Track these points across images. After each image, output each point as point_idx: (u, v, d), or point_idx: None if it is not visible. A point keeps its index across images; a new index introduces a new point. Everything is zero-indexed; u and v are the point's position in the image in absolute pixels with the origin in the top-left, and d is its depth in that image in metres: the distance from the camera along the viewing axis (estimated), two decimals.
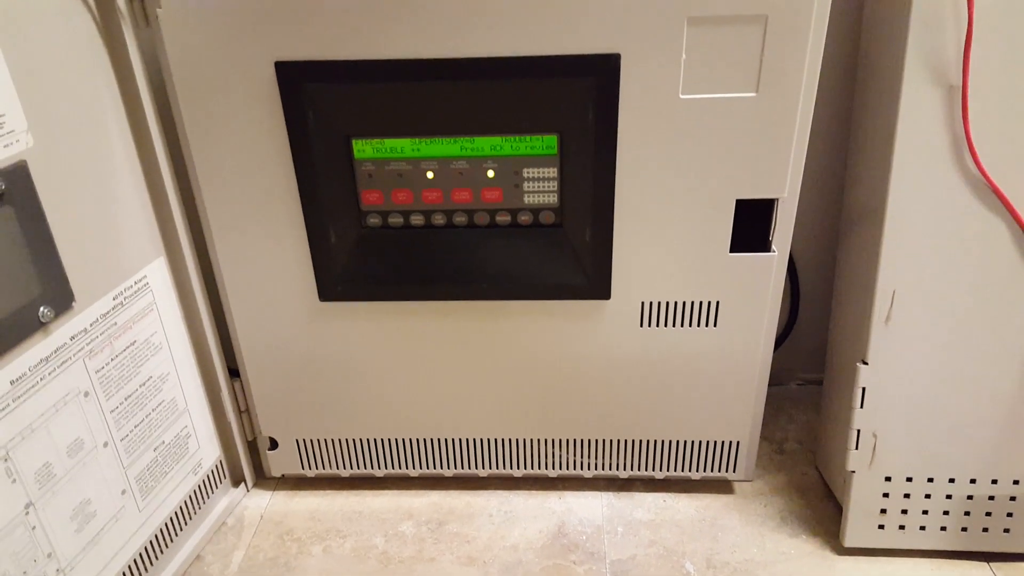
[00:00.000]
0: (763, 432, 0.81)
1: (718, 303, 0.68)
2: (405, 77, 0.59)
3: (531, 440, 0.77)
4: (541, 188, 0.64)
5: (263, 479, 0.83)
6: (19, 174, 0.51)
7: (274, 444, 0.79)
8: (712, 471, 0.77)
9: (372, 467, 0.80)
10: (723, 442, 0.75)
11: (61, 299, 0.56)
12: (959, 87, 0.55)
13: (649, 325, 0.69)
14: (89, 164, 0.58)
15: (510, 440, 0.77)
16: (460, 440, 0.77)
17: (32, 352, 0.54)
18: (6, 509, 0.52)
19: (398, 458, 0.79)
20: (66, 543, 0.58)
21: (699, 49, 0.57)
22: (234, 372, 0.76)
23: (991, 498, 0.67)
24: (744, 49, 0.57)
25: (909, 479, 0.67)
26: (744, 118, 0.60)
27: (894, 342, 0.63)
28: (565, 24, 0.57)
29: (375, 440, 0.78)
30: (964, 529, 0.68)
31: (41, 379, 0.55)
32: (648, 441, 0.76)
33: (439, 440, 0.78)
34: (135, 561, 0.66)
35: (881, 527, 0.69)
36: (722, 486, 0.80)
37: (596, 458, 0.78)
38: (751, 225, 0.65)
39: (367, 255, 0.67)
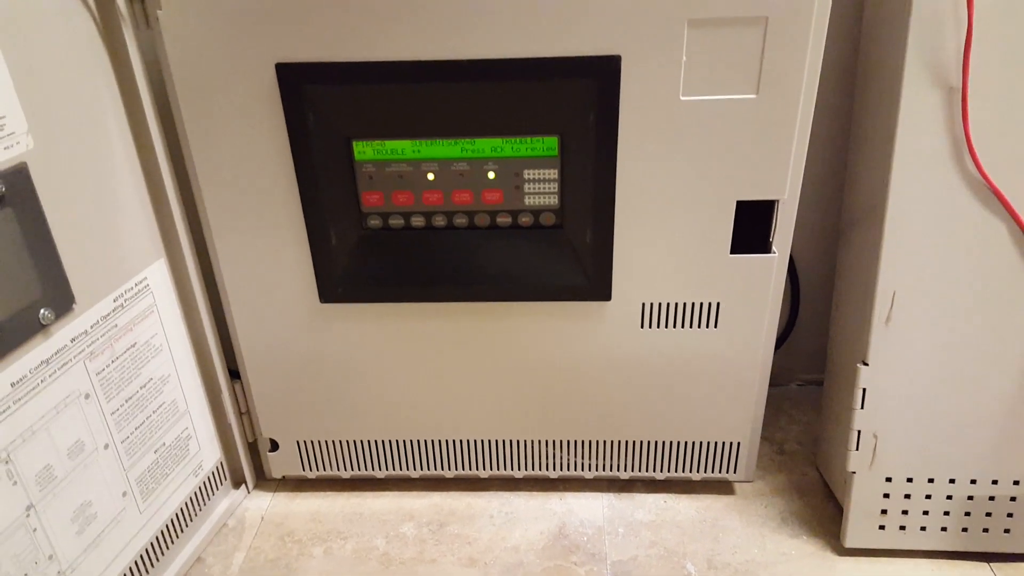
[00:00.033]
0: (764, 433, 0.82)
1: (719, 304, 0.68)
2: (406, 79, 0.59)
3: (532, 441, 0.77)
4: (542, 189, 0.64)
5: (264, 481, 0.83)
6: (19, 176, 0.51)
7: (275, 445, 0.79)
8: (713, 472, 0.77)
9: (373, 468, 0.80)
10: (724, 443, 0.75)
11: (61, 301, 0.56)
12: (959, 88, 0.55)
13: (650, 326, 0.69)
14: (89, 166, 0.58)
15: (511, 441, 0.77)
16: (461, 441, 0.77)
17: (33, 354, 0.54)
18: (7, 511, 0.52)
19: (399, 459, 0.79)
20: (67, 545, 0.58)
21: (699, 51, 0.58)
22: (235, 374, 0.76)
23: (991, 498, 0.67)
24: (744, 51, 0.57)
25: (909, 480, 0.68)
26: (744, 120, 0.60)
27: (894, 343, 0.63)
28: (566, 26, 0.57)
29: (376, 441, 0.78)
30: (964, 529, 0.68)
31: (42, 381, 0.55)
32: (649, 442, 0.76)
33: (440, 441, 0.78)
34: (136, 563, 0.66)
35: (882, 528, 0.69)
36: (723, 487, 0.80)
37: (597, 459, 0.78)
38: (752, 226, 0.65)
39: (368, 257, 0.67)
